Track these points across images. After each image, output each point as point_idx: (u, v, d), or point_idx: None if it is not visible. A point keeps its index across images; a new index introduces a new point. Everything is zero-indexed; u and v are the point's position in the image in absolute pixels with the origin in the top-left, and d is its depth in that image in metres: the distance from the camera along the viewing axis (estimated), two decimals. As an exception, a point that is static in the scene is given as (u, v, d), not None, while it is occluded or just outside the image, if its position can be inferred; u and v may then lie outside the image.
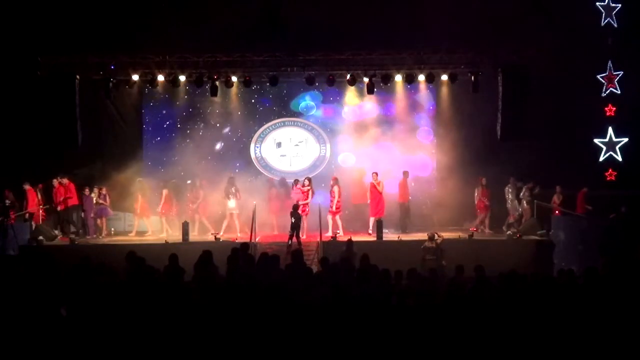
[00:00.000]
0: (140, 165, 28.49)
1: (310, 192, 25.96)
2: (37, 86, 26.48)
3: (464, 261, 17.51)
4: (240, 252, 17.15)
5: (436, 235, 22.03)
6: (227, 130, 29.15)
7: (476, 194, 26.58)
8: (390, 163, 28.42)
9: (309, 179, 26.28)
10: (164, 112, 29.20)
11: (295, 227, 24.16)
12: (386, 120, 29.15)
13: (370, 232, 25.99)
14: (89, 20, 26.31)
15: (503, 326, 11.17)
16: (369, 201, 26.46)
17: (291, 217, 24.32)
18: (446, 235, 25.03)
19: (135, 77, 27.21)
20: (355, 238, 23.49)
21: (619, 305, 11.96)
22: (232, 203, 26.45)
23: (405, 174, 27.00)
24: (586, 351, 10.77)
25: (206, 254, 15.97)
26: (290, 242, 23.95)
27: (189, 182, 27.77)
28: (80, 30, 26.29)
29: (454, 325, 11.10)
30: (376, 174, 26.35)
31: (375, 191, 26.21)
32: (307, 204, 25.70)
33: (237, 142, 29.18)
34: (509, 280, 13.89)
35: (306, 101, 29.41)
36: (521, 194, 26.15)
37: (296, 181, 26.51)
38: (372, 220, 26.20)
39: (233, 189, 26.55)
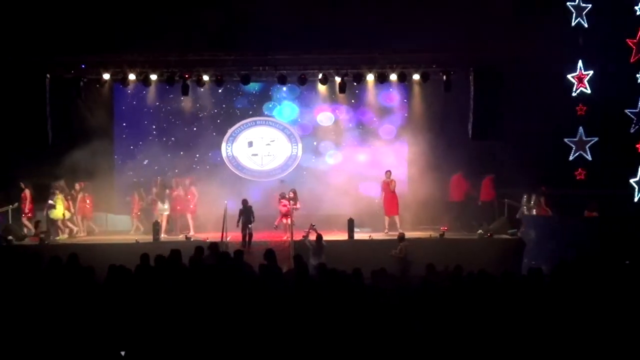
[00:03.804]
0: (111, 164, 28.44)
1: (295, 203, 25.96)
2: (7, 85, 26.31)
3: (434, 260, 17.58)
4: (211, 251, 17.25)
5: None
6: (198, 129, 29.07)
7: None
8: (363, 163, 28.63)
9: (294, 192, 26.18)
10: (135, 111, 29.08)
11: (247, 223, 24.24)
12: (357, 120, 29.27)
13: (386, 231, 26.02)
14: (59, 19, 26.14)
15: (474, 325, 11.21)
16: (382, 200, 26.62)
17: (240, 215, 24.43)
18: (418, 234, 25.24)
19: (106, 76, 27.16)
20: (327, 237, 23.54)
21: (586, 303, 12.05)
22: (165, 205, 26.49)
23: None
24: (554, 348, 10.83)
25: (175, 253, 15.99)
26: (246, 240, 24.12)
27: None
28: (51, 29, 26.11)
29: (427, 324, 11.14)
30: (389, 172, 26.53)
31: (387, 189, 26.35)
32: (291, 213, 25.52)
33: (208, 141, 29.09)
34: (479, 279, 13.98)
35: (277, 102, 29.44)
36: (532, 200, 26.18)
37: (282, 194, 26.20)
38: (386, 219, 26.37)
39: (167, 192, 26.65)
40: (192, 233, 26.04)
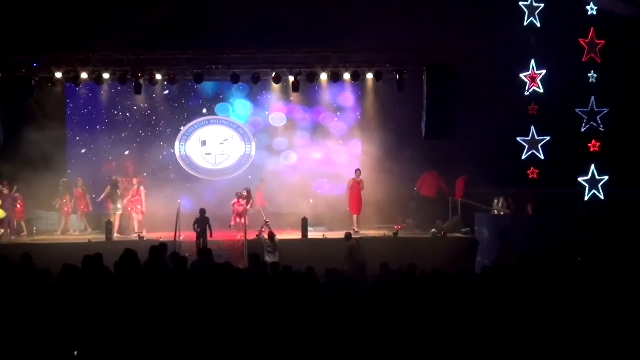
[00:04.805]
0: (63, 163, 28.19)
1: (250, 202, 26.20)
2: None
3: (388, 259, 17.60)
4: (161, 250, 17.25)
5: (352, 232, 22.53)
6: (151, 128, 28.91)
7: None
8: (317, 162, 28.66)
9: (248, 191, 26.45)
10: (88, 110, 28.78)
11: (203, 235, 23.98)
12: (311, 119, 29.20)
13: (355, 229, 25.83)
14: (10, 17, 25.87)
15: (428, 323, 11.25)
16: (348, 198, 26.65)
17: (195, 225, 24.11)
18: (371, 233, 25.28)
19: (59, 75, 26.82)
20: (281, 236, 23.51)
21: (538, 301, 12.15)
22: (119, 204, 26.31)
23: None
24: (507, 346, 10.89)
25: (129, 253, 15.91)
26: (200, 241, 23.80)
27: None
28: (1, 27, 25.86)
29: (382, 323, 11.16)
30: (359, 171, 26.61)
31: (357, 188, 26.34)
32: (246, 212, 25.71)
33: (161, 140, 28.96)
34: (432, 277, 14.04)
35: (230, 101, 29.35)
36: (500, 204, 26.31)
37: (238, 194, 26.32)
38: (355, 217, 26.39)
39: (119, 192, 26.42)
40: (144, 233, 25.85)
